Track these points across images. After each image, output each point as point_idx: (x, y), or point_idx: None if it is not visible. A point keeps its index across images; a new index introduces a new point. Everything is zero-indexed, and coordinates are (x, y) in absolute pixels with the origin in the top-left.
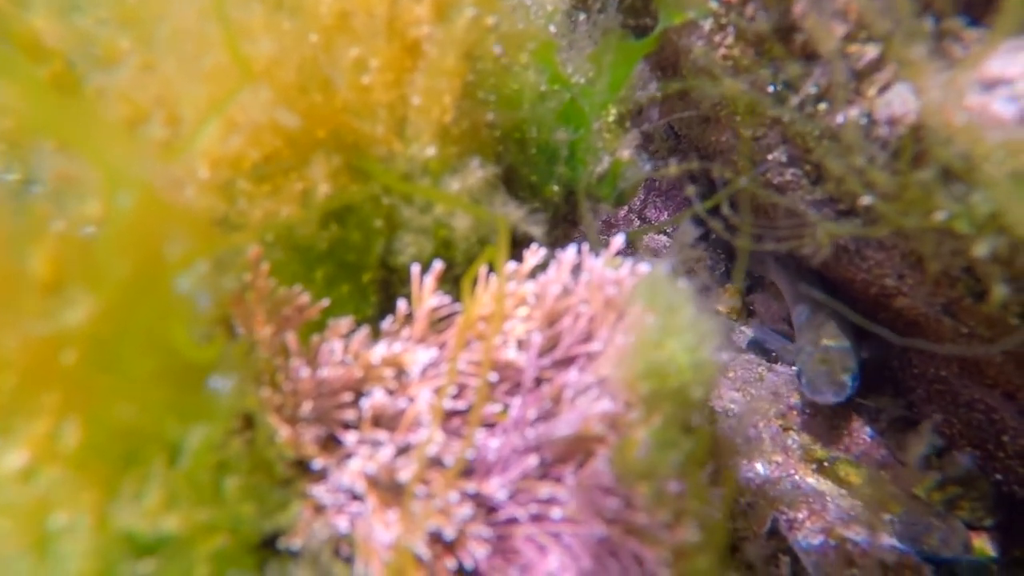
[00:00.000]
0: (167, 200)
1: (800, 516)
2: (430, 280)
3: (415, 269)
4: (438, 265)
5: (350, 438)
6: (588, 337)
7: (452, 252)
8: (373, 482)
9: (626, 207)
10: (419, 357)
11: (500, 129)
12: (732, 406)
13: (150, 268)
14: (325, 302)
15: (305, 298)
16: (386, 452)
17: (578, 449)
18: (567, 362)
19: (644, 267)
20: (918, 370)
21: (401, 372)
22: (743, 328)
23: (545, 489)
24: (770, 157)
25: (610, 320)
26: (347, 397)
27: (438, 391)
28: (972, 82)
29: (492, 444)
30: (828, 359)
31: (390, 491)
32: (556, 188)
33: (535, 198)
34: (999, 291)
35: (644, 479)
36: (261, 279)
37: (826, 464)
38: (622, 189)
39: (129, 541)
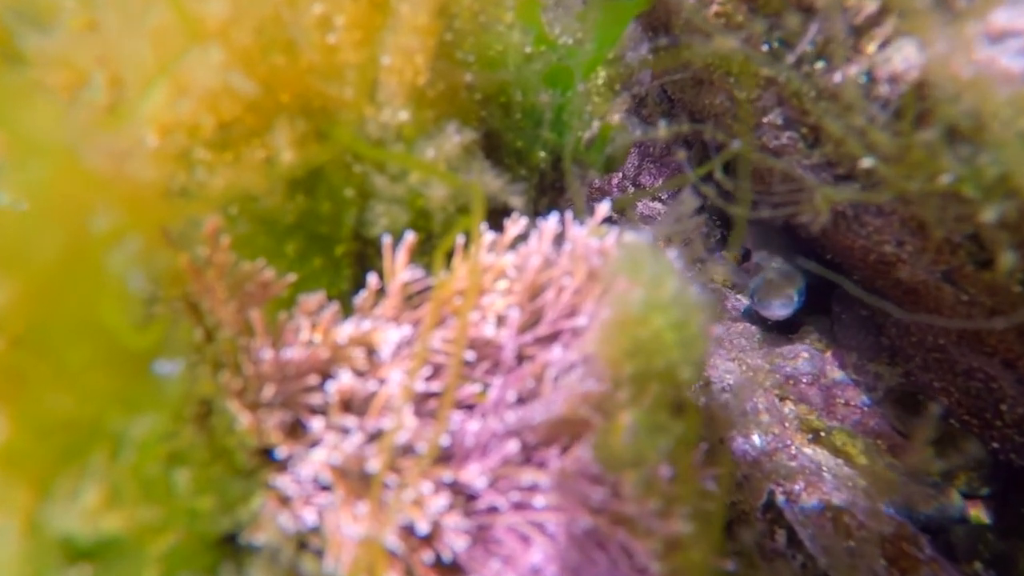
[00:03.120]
0: (96, 170)
1: (796, 488)
2: (402, 252)
3: (386, 241)
4: (410, 236)
5: (316, 424)
6: (573, 311)
7: (430, 223)
8: (341, 472)
9: (620, 174)
10: (390, 336)
11: (482, 92)
12: (728, 377)
13: (77, 245)
14: (291, 277)
15: (269, 273)
16: (353, 440)
17: (562, 432)
18: (551, 338)
19: (630, 236)
20: (916, 338)
21: (372, 352)
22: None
23: (527, 475)
24: (766, 120)
25: (595, 293)
26: (313, 380)
27: (409, 372)
28: (979, 34)
29: (470, 428)
30: (776, 276)
31: (360, 481)
32: (543, 154)
33: (521, 165)
34: (1007, 258)
35: (631, 466)
36: (220, 254)
37: (823, 434)
38: (610, 154)
39: (67, 545)
